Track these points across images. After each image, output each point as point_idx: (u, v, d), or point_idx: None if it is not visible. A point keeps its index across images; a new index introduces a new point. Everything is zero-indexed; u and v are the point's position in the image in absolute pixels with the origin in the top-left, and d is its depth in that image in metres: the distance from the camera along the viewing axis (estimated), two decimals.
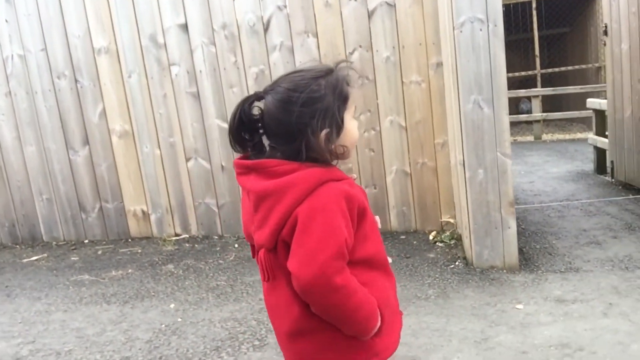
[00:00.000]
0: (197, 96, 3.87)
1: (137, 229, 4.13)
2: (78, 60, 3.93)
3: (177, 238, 4.05)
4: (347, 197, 1.15)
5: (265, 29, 3.72)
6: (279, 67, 3.72)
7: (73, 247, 4.05)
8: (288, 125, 1.15)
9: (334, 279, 1.10)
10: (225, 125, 3.85)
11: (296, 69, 1.23)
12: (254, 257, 1.28)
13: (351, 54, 3.63)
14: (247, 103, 1.19)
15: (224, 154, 3.91)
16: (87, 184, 4.11)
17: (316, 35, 3.66)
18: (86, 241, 4.17)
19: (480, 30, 2.86)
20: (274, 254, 1.17)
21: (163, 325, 2.64)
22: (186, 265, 3.50)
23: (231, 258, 3.59)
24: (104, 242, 4.11)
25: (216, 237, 4.01)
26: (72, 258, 3.82)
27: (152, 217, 4.09)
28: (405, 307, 2.63)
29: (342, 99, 1.20)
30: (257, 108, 1.19)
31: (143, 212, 4.10)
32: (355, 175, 1.38)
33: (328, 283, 1.10)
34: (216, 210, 4.00)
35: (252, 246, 1.27)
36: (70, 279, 3.39)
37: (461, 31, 2.87)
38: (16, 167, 4.15)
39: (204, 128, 3.91)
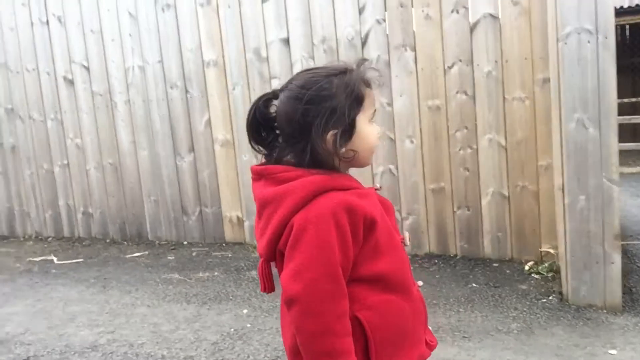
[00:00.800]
0: None
1: (231, 234, 4.27)
2: (189, 72, 4.18)
3: None
4: (349, 209, 1.06)
5: (363, 43, 3.69)
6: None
7: (172, 247, 4.28)
8: (294, 123, 1.10)
9: (317, 303, 1.01)
10: None
11: (313, 67, 1.17)
12: None
13: (450, 67, 3.48)
14: (262, 101, 1.15)
15: None
16: (190, 189, 4.33)
17: (414, 49, 3.57)
18: (185, 242, 4.38)
19: (588, 42, 2.59)
20: (275, 264, 1.13)
21: (232, 329, 2.67)
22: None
23: None
24: (200, 245, 4.30)
25: None
26: (169, 257, 4.03)
27: (246, 224, 4.21)
28: (481, 339, 2.42)
29: (356, 100, 1.12)
30: (274, 107, 1.15)
31: (238, 218, 4.23)
32: (379, 185, 1.28)
33: (309, 306, 1.01)
34: None
35: None
36: (162, 276, 3.57)
37: (566, 43, 2.62)
38: (130, 169, 4.49)
39: None
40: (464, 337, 2.53)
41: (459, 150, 3.53)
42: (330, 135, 1.09)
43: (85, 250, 4.35)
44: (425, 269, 3.44)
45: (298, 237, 1.04)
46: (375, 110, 1.18)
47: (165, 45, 4.23)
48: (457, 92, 3.49)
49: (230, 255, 4.00)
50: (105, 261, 4.01)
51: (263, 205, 1.10)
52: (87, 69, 4.45)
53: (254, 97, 4.05)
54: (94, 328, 2.75)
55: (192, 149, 4.26)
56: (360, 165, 1.18)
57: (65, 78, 4.53)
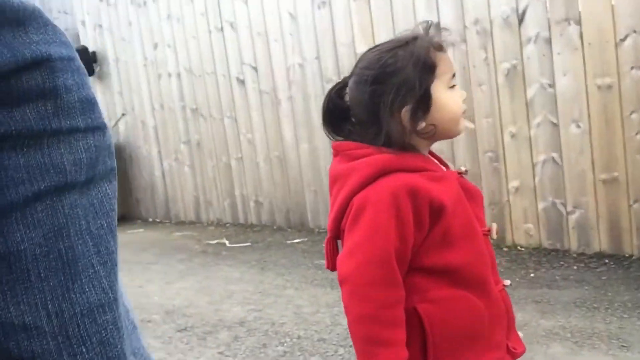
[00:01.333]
0: None
1: None
2: (343, 67, 4.30)
3: None
4: (413, 192, 1.02)
5: (520, 20, 3.44)
6: (533, 61, 3.41)
7: None
8: (365, 107, 1.08)
9: (366, 286, 1.01)
10: (473, 125, 3.71)
11: (380, 43, 1.13)
12: None
13: (622, 40, 3.08)
14: (334, 91, 1.15)
15: (468, 157, 3.77)
16: None
17: (579, 22, 3.22)
18: None
19: None
20: (341, 242, 1.12)
21: None
22: None
23: None
24: None
25: None
26: (322, 245, 4.23)
27: None
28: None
29: (427, 69, 1.07)
30: (347, 95, 1.15)
31: None
32: (464, 169, 1.21)
33: (357, 288, 1.01)
34: None
35: None
36: (314, 262, 3.76)
37: None
38: (293, 162, 4.78)
39: None
40: (622, 346, 2.26)
41: (636, 134, 3.11)
42: (404, 112, 1.06)
43: (254, 235, 4.77)
44: (592, 269, 3.11)
45: (356, 217, 1.04)
46: (454, 75, 1.12)
47: (322, 42, 4.41)
48: (631, 68, 3.08)
49: None
50: (269, 246, 4.34)
51: (333, 182, 1.12)
52: (255, 69, 4.85)
53: None
54: (245, 305, 3.02)
55: None
56: (448, 136, 1.15)
57: (237, 79, 5.00)
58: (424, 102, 1.07)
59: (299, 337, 2.55)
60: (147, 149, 5.83)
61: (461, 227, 1.08)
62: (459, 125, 1.14)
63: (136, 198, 6.01)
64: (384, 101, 1.05)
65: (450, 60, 1.14)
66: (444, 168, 1.16)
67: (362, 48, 4.15)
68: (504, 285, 1.17)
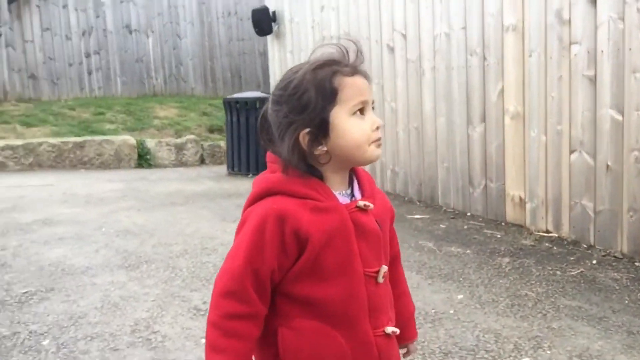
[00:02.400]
0: (593, 80, 3.32)
1: (512, 214, 3.99)
2: (488, 38, 3.97)
3: (545, 235, 3.69)
4: (281, 218, 1.03)
5: None
6: None
7: (452, 217, 4.29)
8: (274, 125, 1.08)
9: (215, 295, 1.05)
10: (620, 118, 3.18)
11: (305, 61, 1.11)
12: None
13: None
14: (268, 105, 1.14)
15: (612, 151, 3.25)
16: (478, 160, 4.21)
17: None
18: (468, 214, 4.32)
19: None
20: None
21: (432, 310, 2.63)
22: (521, 264, 3.22)
23: (574, 273, 3.06)
24: (480, 219, 4.16)
25: (585, 246, 3.44)
26: (441, 225, 4.08)
27: (527, 206, 3.85)
28: None
29: (328, 94, 1.04)
30: None
31: (520, 198, 3.90)
32: (369, 204, 1.09)
33: (213, 293, 1.06)
34: (592, 215, 3.41)
35: None
36: (418, 242, 3.67)
37: None
38: (429, 135, 4.63)
39: (594, 118, 3.33)
40: None
41: None
42: (302, 135, 1.04)
43: None
44: None
45: (237, 231, 1.08)
46: (365, 101, 1.06)
47: (470, 11, 4.10)
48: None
49: (499, 235, 3.78)
50: None
51: None
52: (405, 36, 4.72)
53: (550, 66, 3.65)
54: None
55: (483, 119, 4.10)
56: (356, 163, 1.10)
57: (388, 46, 4.93)
58: (321, 128, 1.04)
59: None
60: None
61: (335, 263, 1.04)
62: (365, 152, 1.07)
63: None
64: (282, 121, 1.05)
65: (362, 86, 1.07)
66: (345, 198, 1.09)
67: (510, 19, 3.81)
68: (386, 333, 1.09)
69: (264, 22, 6.48)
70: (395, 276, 1.22)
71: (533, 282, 2.97)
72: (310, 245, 1.02)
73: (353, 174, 1.14)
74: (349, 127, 1.05)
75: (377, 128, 1.08)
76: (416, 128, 4.74)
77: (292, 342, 1.04)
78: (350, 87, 1.05)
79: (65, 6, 9.03)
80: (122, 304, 2.72)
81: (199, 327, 2.45)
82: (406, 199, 4.90)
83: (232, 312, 1.02)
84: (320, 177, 1.08)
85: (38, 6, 8.76)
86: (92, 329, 2.45)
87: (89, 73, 9.34)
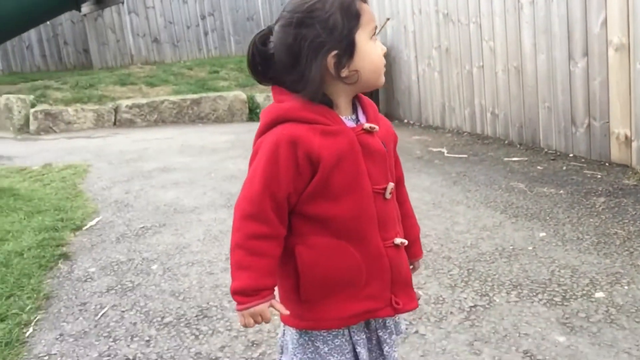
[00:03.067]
0: None
1: (617, 153, 3.75)
2: None
3: None
4: (293, 142, 1.08)
5: None
6: None
7: (553, 158, 4.12)
8: (289, 50, 1.09)
9: (236, 219, 1.12)
10: None
11: None
12: None
13: None
14: (257, 37, 1.16)
15: None
16: (580, 98, 3.97)
17: None
18: (570, 155, 4.12)
19: None
20: None
21: (510, 246, 2.64)
22: (618, 204, 3.07)
23: None
24: (583, 160, 3.97)
25: None
26: (538, 167, 3.95)
27: (634, 144, 3.60)
28: None
29: (353, 16, 1.09)
30: (272, 43, 1.14)
31: (626, 136, 3.66)
32: (373, 126, 1.16)
33: (234, 218, 1.13)
34: None
35: None
36: (510, 183, 3.61)
37: None
38: (529, 74, 4.42)
39: None
40: None
41: None
42: (330, 58, 1.07)
43: (480, 147, 4.70)
44: None
45: (250, 160, 1.14)
46: (376, 27, 1.13)
47: None
48: None
49: (599, 176, 3.59)
50: (482, 160, 4.27)
51: None
52: None
53: None
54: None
55: (585, 53, 3.84)
56: (368, 87, 1.15)
57: None
58: (349, 49, 1.08)
59: (431, 251, 2.66)
60: (407, 53, 6.09)
61: (344, 182, 1.11)
62: (380, 77, 1.14)
63: (397, 100, 6.42)
64: (308, 45, 1.07)
65: (372, 12, 1.13)
66: (351, 122, 1.16)
67: None
68: (395, 244, 1.17)
69: None
70: (400, 198, 1.27)
71: (626, 221, 2.84)
72: (321, 166, 1.09)
73: (356, 101, 1.20)
74: (370, 49, 1.11)
75: (384, 54, 1.15)
76: (515, 67, 4.54)
77: (310, 259, 1.13)
78: (367, 12, 1.11)
79: None
80: (220, 236, 3.04)
81: None
82: (506, 142, 4.77)
83: (254, 232, 1.10)
84: (328, 104, 1.13)
85: None
86: (194, 257, 2.78)
87: (205, 34, 9.90)
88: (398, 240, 1.18)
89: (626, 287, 2.19)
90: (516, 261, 2.49)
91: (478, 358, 1.81)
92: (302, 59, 1.08)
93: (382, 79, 1.15)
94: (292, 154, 1.08)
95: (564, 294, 2.17)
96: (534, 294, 2.19)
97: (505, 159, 4.26)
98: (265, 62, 1.16)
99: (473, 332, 1.96)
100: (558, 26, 4.04)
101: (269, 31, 1.15)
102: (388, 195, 1.16)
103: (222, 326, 2.11)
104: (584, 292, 2.18)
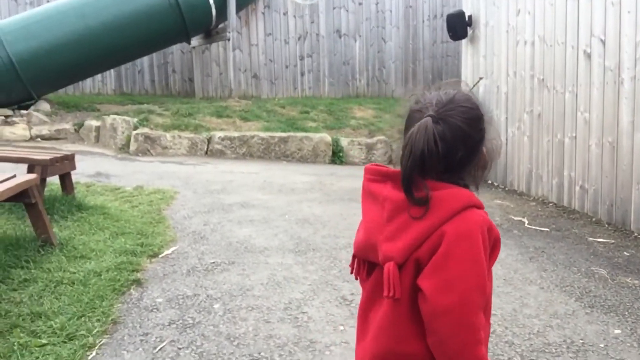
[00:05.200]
0: None
1: None
2: None
3: None
4: (489, 227, 1.11)
5: None
6: None
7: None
8: (470, 142, 1.15)
9: (470, 315, 1.05)
10: None
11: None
12: (352, 270, 1.24)
13: None
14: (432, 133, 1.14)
15: None
16: None
17: None
18: None
19: None
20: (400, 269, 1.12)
21: (581, 341, 2.48)
22: None
23: None
24: None
25: None
26: (625, 252, 3.71)
27: None
28: None
29: None
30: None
31: None
32: None
33: (462, 317, 1.05)
34: None
35: (356, 258, 1.23)
36: (590, 267, 3.41)
37: None
38: (625, 151, 4.19)
39: None
40: None
41: None
42: (485, 153, 1.18)
43: (565, 222, 4.48)
44: None
45: (452, 248, 1.06)
46: None
47: None
48: None
49: None
50: (564, 237, 4.07)
51: (401, 209, 1.12)
52: (603, 42, 4.34)
53: None
54: None
55: None
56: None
57: (584, 52, 4.57)
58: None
59: (493, 333, 2.55)
60: (497, 114, 5.98)
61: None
62: None
63: None
64: (482, 139, 1.16)
65: None
66: None
67: None
68: None
69: (458, 25, 6.46)
70: None
71: None
72: (497, 247, 1.15)
73: None
74: None
75: None
76: (610, 142, 4.33)
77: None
78: None
79: (285, 13, 10.05)
80: (283, 283, 3.10)
81: (341, 314, 2.69)
82: (594, 219, 4.52)
83: (483, 323, 1.10)
84: None
85: (263, 13, 9.91)
86: (254, 301, 2.85)
87: (302, 74, 10.27)
88: None
89: None
90: (584, 358, 2.34)
91: None
92: (476, 150, 1.17)
93: None
94: (487, 240, 1.11)
95: None
96: None
97: (590, 238, 4.04)
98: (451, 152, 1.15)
99: None
100: None
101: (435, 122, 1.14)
102: None
103: None
104: None
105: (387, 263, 1.10)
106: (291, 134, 7.85)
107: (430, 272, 1.07)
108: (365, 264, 1.21)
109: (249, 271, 3.28)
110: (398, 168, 1.16)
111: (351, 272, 1.24)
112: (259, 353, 2.34)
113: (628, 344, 2.45)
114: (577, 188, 4.78)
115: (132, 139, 7.39)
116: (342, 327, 2.57)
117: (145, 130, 7.59)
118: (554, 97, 5.03)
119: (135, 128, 7.59)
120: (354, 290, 2.94)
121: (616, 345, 2.45)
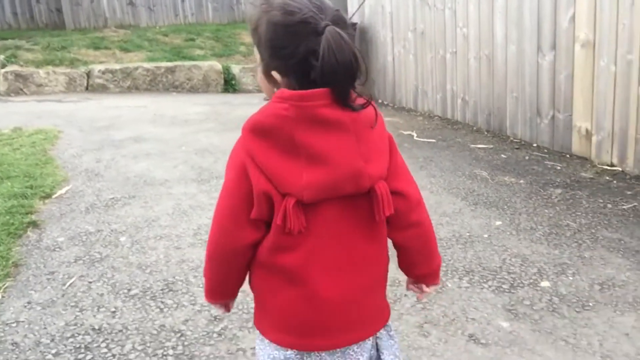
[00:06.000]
0: None
1: (578, 146, 3.91)
2: None
3: (608, 168, 3.62)
4: None
5: None
6: None
7: (517, 147, 4.26)
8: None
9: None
10: None
11: None
12: (290, 224, 1.03)
13: None
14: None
15: None
16: (546, 90, 4.10)
17: None
18: (534, 145, 4.27)
19: None
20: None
21: (467, 234, 2.77)
22: (573, 196, 3.23)
23: (626, 207, 3.04)
24: (545, 150, 4.12)
25: None
26: (502, 155, 4.09)
27: (594, 139, 3.76)
28: None
29: None
30: None
31: (587, 130, 3.81)
32: None
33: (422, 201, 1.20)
34: None
35: (294, 207, 1.04)
36: (473, 170, 3.74)
37: None
38: (500, 63, 4.53)
39: None
40: None
41: None
42: None
43: (448, 133, 4.82)
44: None
45: (396, 148, 1.14)
46: None
47: None
48: None
49: (559, 167, 3.75)
50: (449, 146, 4.40)
51: (355, 126, 1.04)
52: None
53: None
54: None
55: (553, 47, 3.96)
56: None
57: None
58: None
59: None
60: (383, 34, 6.13)
61: None
62: None
63: (372, 79, 6.47)
64: None
65: None
66: None
67: None
68: None
69: None
70: None
71: (579, 213, 2.99)
72: None
73: None
74: None
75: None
76: (487, 55, 4.65)
77: None
78: None
79: None
80: (189, 211, 3.10)
81: None
82: (475, 128, 4.90)
83: None
84: None
85: None
86: (162, 231, 2.85)
87: (182, 0, 9.74)
88: None
89: (571, 278, 2.33)
90: (471, 248, 2.62)
91: (426, 340, 1.94)
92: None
93: None
94: None
95: (512, 282, 2.31)
96: (484, 280, 2.33)
97: (472, 145, 4.39)
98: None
99: (424, 314, 2.08)
100: (529, 18, 4.14)
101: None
102: None
103: (186, 300, 2.19)
104: (531, 280, 2.32)
105: (378, 183, 1.05)
106: (178, 63, 7.55)
107: (396, 174, 1.10)
108: (303, 208, 1.04)
109: (152, 203, 3.24)
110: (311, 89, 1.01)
111: (290, 228, 1.03)
112: (173, 277, 2.37)
113: (508, 233, 2.78)
114: (459, 101, 5.11)
115: (1, 77, 6.73)
116: None
117: (15, 67, 6.94)
118: (434, 15, 5.23)
119: (4, 66, 6.91)
120: None
121: (498, 234, 2.77)
